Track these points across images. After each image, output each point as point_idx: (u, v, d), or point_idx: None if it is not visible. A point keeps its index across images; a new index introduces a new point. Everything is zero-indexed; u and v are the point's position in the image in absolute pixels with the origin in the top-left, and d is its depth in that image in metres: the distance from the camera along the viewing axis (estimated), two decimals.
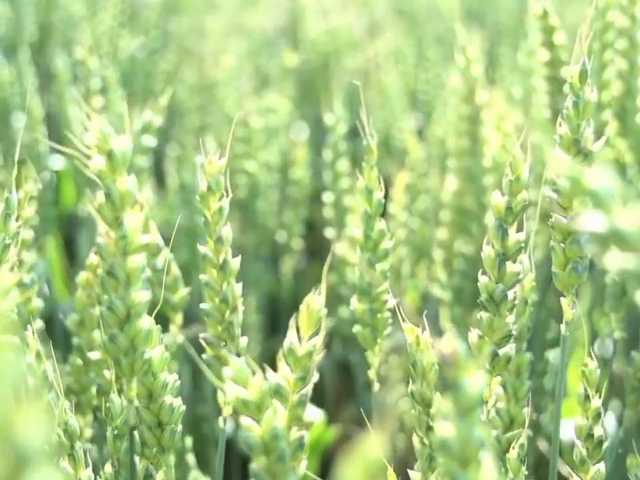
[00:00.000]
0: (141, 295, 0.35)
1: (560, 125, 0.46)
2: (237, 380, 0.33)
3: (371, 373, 0.49)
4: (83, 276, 0.57)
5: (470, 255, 0.82)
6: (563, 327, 0.45)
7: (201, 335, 0.47)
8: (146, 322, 0.35)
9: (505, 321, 0.44)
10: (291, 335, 0.35)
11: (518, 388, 0.51)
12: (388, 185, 0.98)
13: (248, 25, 1.33)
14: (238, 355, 0.48)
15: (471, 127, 0.80)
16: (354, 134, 1.28)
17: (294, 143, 1.10)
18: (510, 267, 0.44)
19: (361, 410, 0.85)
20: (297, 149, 0.96)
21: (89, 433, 0.59)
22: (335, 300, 0.82)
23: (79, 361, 0.59)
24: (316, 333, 0.35)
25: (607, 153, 0.72)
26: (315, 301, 0.34)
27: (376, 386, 0.49)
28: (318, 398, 0.73)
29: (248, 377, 0.33)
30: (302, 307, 0.35)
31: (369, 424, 0.46)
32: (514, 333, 0.44)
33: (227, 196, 0.47)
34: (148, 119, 0.69)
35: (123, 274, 0.34)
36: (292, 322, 0.35)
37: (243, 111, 0.96)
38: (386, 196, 0.85)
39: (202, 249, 0.47)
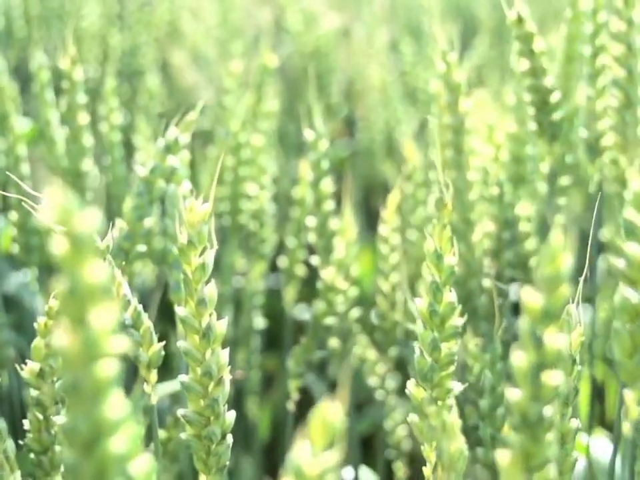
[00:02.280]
0: (112, 411, 0.27)
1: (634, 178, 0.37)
2: None
3: (427, 470, 0.43)
4: (41, 321, 0.50)
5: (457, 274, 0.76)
6: (626, 425, 0.38)
7: (180, 412, 0.41)
8: (119, 443, 0.27)
9: (543, 444, 0.34)
10: (299, 448, 0.28)
11: (564, 459, 0.42)
12: (386, 190, 0.92)
13: (230, 24, 1.26)
14: (223, 434, 0.41)
15: (454, 137, 0.73)
16: (350, 133, 1.23)
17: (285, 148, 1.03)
18: (547, 378, 0.34)
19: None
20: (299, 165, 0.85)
21: None
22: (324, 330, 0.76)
23: (39, 416, 0.52)
24: (330, 446, 0.28)
25: (608, 170, 0.67)
26: (330, 410, 0.28)
27: None
28: None
29: None
30: (314, 416, 0.28)
31: None
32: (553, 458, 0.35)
33: (211, 247, 0.41)
34: (173, 136, 0.58)
35: (88, 386, 0.27)
36: (299, 434, 0.28)
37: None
38: (383, 203, 0.79)
39: (180, 311, 0.41)
